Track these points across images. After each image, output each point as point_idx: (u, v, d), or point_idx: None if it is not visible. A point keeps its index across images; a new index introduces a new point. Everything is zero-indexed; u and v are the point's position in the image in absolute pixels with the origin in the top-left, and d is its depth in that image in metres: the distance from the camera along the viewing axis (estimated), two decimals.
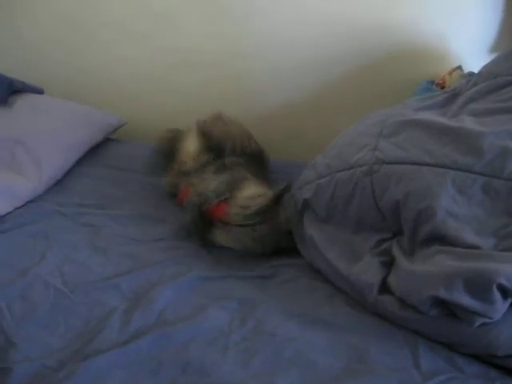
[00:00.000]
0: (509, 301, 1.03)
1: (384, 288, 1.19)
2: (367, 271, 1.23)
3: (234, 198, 1.51)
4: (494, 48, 2.02)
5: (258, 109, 2.40)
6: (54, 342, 1.13)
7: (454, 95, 1.51)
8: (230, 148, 1.79)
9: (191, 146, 1.86)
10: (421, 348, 1.09)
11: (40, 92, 2.32)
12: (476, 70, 1.61)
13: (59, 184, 1.90)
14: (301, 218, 1.50)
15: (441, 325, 1.10)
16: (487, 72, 1.48)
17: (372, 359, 1.06)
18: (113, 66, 2.51)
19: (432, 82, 1.97)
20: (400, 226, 1.26)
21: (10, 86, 2.18)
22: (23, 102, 2.16)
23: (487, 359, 1.07)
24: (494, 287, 1.00)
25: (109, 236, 1.57)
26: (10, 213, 1.66)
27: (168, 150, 1.91)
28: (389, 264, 1.24)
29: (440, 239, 1.14)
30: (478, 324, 1.04)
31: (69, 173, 1.97)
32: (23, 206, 1.71)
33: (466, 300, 1.02)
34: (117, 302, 1.25)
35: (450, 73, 1.91)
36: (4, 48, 2.60)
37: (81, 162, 2.05)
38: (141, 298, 1.25)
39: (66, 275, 1.35)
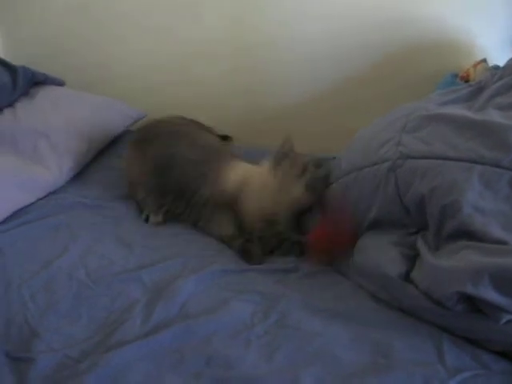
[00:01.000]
0: None
1: (408, 281, 1.18)
2: (391, 263, 1.22)
3: None
4: None
5: (274, 101, 2.40)
6: (76, 333, 1.14)
7: (479, 89, 1.48)
8: None
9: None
10: (445, 343, 1.08)
11: (61, 84, 2.34)
12: (501, 64, 1.58)
13: (80, 175, 1.92)
14: None
15: (466, 320, 1.09)
16: None
17: (396, 354, 1.05)
18: (129, 59, 2.52)
19: (456, 76, 1.95)
20: (425, 221, 1.24)
21: (32, 78, 2.21)
22: (45, 94, 2.18)
23: None
24: None
25: (131, 228, 1.58)
26: (33, 204, 1.68)
27: None
28: (413, 258, 1.22)
29: (466, 234, 1.12)
30: (504, 320, 1.02)
31: (90, 164, 1.99)
32: (45, 197, 1.73)
33: (492, 296, 1.01)
34: (139, 294, 1.26)
35: (475, 66, 1.88)
36: (25, 41, 2.62)
37: (102, 153, 2.07)
38: (163, 291, 1.25)
39: (89, 267, 1.36)
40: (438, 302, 1.09)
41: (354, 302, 1.23)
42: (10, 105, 2.09)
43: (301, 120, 2.36)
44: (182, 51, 2.42)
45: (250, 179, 1.55)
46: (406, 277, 1.19)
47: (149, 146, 1.72)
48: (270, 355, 1.06)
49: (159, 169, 1.66)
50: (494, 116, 1.28)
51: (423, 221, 1.25)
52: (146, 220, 1.63)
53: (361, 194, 1.38)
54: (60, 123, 1.99)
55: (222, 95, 2.44)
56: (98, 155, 2.05)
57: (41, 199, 1.71)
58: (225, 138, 2.08)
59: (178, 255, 1.42)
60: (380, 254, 1.27)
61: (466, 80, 1.86)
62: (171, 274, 1.33)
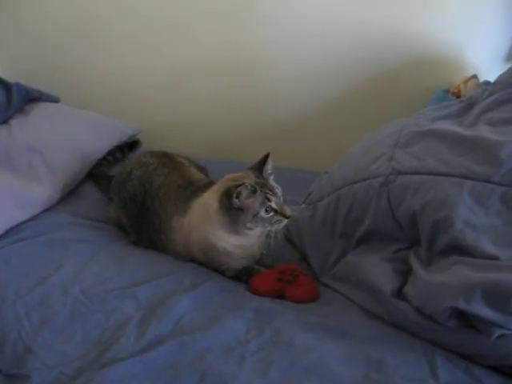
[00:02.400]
0: None
1: (400, 297, 1.19)
2: (384, 279, 1.23)
3: None
4: (510, 57, 2.02)
5: (266, 118, 2.42)
6: (71, 349, 1.14)
7: (470, 104, 1.50)
8: None
9: None
10: (438, 358, 1.08)
11: (56, 101, 2.35)
12: (492, 80, 1.60)
13: (74, 192, 1.92)
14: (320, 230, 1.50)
15: (459, 335, 1.09)
16: (504, 81, 1.47)
17: (389, 370, 1.05)
18: (125, 76, 2.54)
19: (447, 91, 1.97)
20: (417, 236, 1.26)
21: (27, 95, 2.21)
22: (39, 111, 2.19)
23: (506, 370, 1.05)
24: None
25: (125, 245, 1.58)
26: (28, 221, 1.67)
27: None
28: (405, 273, 1.23)
29: (458, 249, 1.14)
30: (496, 335, 1.03)
31: (84, 181, 1.99)
32: (40, 214, 1.73)
33: (484, 311, 1.02)
34: (133, 311, 1.25)
35: (466, 82, 1.91)
36: (21, 58, 2.63)
37: None
38: (157, 307, 1.25)
39: (83, 284, 1.36)
40: (431, 317, 1.10)
41: (348, 318, 1.24)
42: (5, 122, 2.09)
43: (293, 137, 2.38)
44: (176, 69, 2.44)
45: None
46: (399, 292, 1.20)
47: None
48: (264, 371, 1.06)
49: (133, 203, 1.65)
50: (485, 132, 1.30)
51: (415, 236, 1.26)
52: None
53: (352, 208, 1.40)
54: (55, 140, 1.99)
55: (215, 113, 2.46)
56: None
57: (35, 216, 1.71)
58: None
59: (173, 272, 1.41)
60: (373, 269, 1.28)
61: (457, 96, 1.88)
62: (165, 290, 1.33)
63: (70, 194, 1.90)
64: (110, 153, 2.12)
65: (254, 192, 1.35)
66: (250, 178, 1.41)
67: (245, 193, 1.35)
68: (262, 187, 1.37)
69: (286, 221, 1.39)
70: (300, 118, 2.36)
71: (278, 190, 1.41)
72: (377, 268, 1.27)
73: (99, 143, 2.10)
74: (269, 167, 1.45)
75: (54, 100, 2.34)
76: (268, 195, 1.37)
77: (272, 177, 1.46)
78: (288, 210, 1.39)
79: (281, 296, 1.35)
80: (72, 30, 2.50)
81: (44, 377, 1.07)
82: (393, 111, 1.84)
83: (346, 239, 1.42)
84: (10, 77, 2.26)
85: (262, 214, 1.36)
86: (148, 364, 1.08)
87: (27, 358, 1.12)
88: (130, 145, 2.24)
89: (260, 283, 1.37)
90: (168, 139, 2.42)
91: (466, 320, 1.07)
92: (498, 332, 1.03)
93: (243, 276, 1.44)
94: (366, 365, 1.07)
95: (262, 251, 1.51)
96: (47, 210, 1.77)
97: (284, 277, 1.37)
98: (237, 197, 1.35)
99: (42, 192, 1.78)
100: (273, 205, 1.37)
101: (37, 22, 2.54)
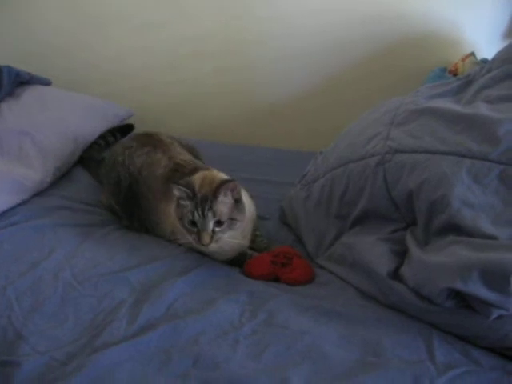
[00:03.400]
0: None
1: (397, 278, 1.17)
2: (380, 260, 1.21)
3: None
4: (508, 34, 1.99)
5: (263, 98, 2.40)
6: (62, 335, 1.12)
7: (468, 82, 1.48)
8: None
9: None
10: (435, 340, 1.07)
11: (47, 83, 2.31)
12: (489, 57, 1.57)
13: (66, 176, 1.89)
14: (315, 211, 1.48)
15: (456, 317, 1.08)
16: (501, 58, 1.44)
17: (386, 352, 1.04)
18: (123, 58, 2.51)
19: (444, 69, 1.95)
20: (414, 216, 1.24)
21: (17, 78, 2.17)
22: (30, 94, 2.15)
23: (504, 352, 1.04)
24: (511, 279, 0.97)
25: (117, 229, 1.56)
26: (18, 206, 1.65)
27: None
28: (401, 253, 1.21)
29: (455, 229, 1.11)
30: (494, 316, 1.01)
31: (76, 165, 1.97)
32: (31, 198, 1.71)
33: (482, 292, 1.00)
34: (126, 295, 1.24)
35: (463, 59, 1.88)
36: (12, 40, 2.60)
37: None
38: (150, 291, 1.24)
39: (75, 268, 1.34)
40: (427, 298, 1.09)
41: (343, 300, 1.22)
42: None
43: (291, 118, 2.36)
44: (172, 50, 2.42)
45: None
46: (395, 273, 1.18)
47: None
48: (258, 355, 1.04)
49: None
50: (483, 109, 1.28)
51: (412, 216, 1.24)
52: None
53: (348, 188, 1.37)
54: (46, 123, 1.97)
55: (212, 94, 2.43)
56: None
57: (26, 200, 1.68)
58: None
59: (166, 256, 1.39)
60: (369, 250, 1.26)
61: (455, 74, 1.85)
62: (158, 274, 1.31)
63: (61, 177, 1.87)
64: (102, 136, 2.09)
65: (190, 198, 1.29)
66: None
67: (179, 193, 1.30)
68: (201, 200, 1.28)
69: (200, 246, 1.29)
70: (297, 97, 2.33)
71: (210, 216, 1.28)
72: (373, 249, 1.25)
73: (91, 126, 2.07)
74: (221, 195, 1.30)
75: (45, 83, 2.30)
76: (196, 211, 1.27)
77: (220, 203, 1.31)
78: (205, 239, 1.27)
79: (275, 279, 1.33)
80: (67, 10, 2.46)
81: (35, 363, 1.05)
82: (390, 89, 1.81)
83: (341, 220, 1.40)
84: (4, 59, 2.22)
85: (183, 221, 1.30)
86: (140, 348, 1.06)
87: (17, 344, 1.10)
88: (123, 129, 2.21)
89: (254, 267, 1.35)
90: (163, 121, 2.41)
91: (463, 301, 1.05)
92: (495, 313, 1.01)
93: (236, 261, 1.41)
94: (361, 347, 1.06)
95: (251, 239, 1.48)
96: (38, 194, 1.74)
97: (278, 259, 1.35)
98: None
99: (33, 176, 1.74)
100: (196, 219, 1.28)
101: (31, 5, 2.50)
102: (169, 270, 1.33)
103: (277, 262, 1.35)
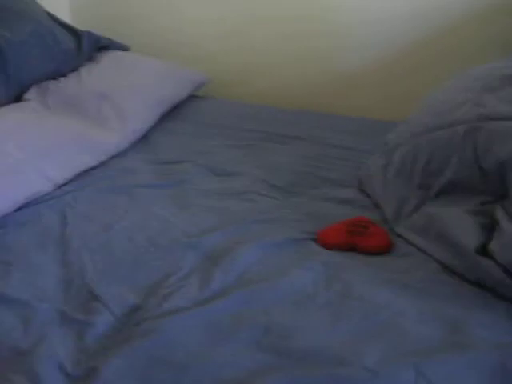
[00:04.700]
0: None
1: (485, 253, 1.09)
2: (467, 233, 1.13)
3: None
4: None
5: (339, 65, 2.31)
6: (133, 297, 1.11)
7: None
8: None
9: None
10: None
11: (126, 49, 2.33)
12: None
13: (143, 139, 1.90)
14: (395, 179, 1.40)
15: None
16: None
17: (470, 332, 0.97)
18: (195, 25, 2.51)
19: None
20: (505, 189, 1.15)
21: (97, 43, 2.21)
22: (109, 59, 2.17)
23: None
24: None
25: (194, 191, 1.54)
26: (96, 167, 1.66)
27: None
28: (491, 228, 1.13)
29: None
30: None
31: (153, 128, 1.96)
32: (108, 160, 1.72)
33: None
34: (198, 260, 1.22)
35: None
36: (93, 5, 2.64)
37: (165, 117, 2.04)
38: (222, 257, 1.21)
39: (149, 231, 1.33)
40: None
41: (425, 274, 1.15)
42: (75, 70, 2.08)
43: (367, 86, 2.28)
44: (245, 17, 2.38)
45: None
46: (484, 248, 1.10)
47: None
48: (332, 326, 1.00)
49: None
50: None
51: (503, 188, 1.15)
52: None
53: (432, 157, 1.29)
54: (124, 87, 1.98)
55: (280, 62, 2.38)
56: (163, 119, 2.03)
57: (103, 162, 1.69)
58: None
59: (241, 220, 1.37)
60: (455, 222, 1.18)
61: None
62: (232, 240, 1.28)
63: (139, 140, 1.88)
64: None
65: None
66: None
67: None
68: None
69: None
70: (373, 64, 2.24)
71: None
72: (459, 221, 1.16)
73: (169, 90, 2.08)
74: None
75: (124, 48, 2.32)
76: None
77: None
78: None
79: (351, 249, 1.28)
80: None
81: (106, 323, 1.04)
82: (477, 58, 1.69)
83: (424, 189, 1.32)
84: (82, 24, 2.26)
85: None
86: (210, 316, 1.03)
87: (91, 303, 1.10)
88: None
89: (328, 236, 1.30)
90: (232, 89, 2.41)
91: None
92: None
93: None
94: (443, 325, 0.99)
95: None
96: (117, 155, 1.75)
97: (354, 229, 1.29)
98: None
99: (110, 138, 1.75)
100: None
101: None
102: (242, 235, 1.30)
103: (353, 231, 1.29)
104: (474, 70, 1.44)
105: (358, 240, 1.27)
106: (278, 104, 2.26)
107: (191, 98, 2.21)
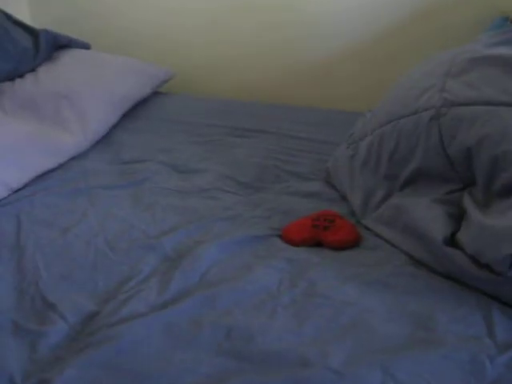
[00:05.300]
0: None
1: (453, 244, 1.06)
2: (435, 224, 1.10)
3: None
4: None
5: (310, 55, 2.29)
6: (91, 303, 1.06)
7: None
8: None
9: None
10: (495, 314, 0.96)
11: (86, 47, 2.27)
12: None
13: (105, 139, 1.84)
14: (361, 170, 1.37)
15: None
16: None
17: (439, 326, 0.94)
18: (160, 19, 2.46)
19: (506, 19, 1.80)
20: (472, 176, 1.12)
21: (55, 42, 2.13)
22: (68, 57, 2.11)
23: None
24: None
25: (154, 190, 1.49)
26: (54, 169, 1.60)
27: None
28: (458, 217, 1.10)
29: None
30: None
31: (115, 127, 1.91)
32: (68, 161, 1.66)
33: None
34: (158, 262, 1.17)
35: None
36: (52, 4, 2.59)
37: (128, 116, 1.99)
38: (183, 258, 1.17)
39: (108, 233, 1.28)
40: (488, 266, 0.98)
41: (394, 268, 1.11)
42: (33, 70, 2.02)
43: (340, 76, 2.26)
44: (211, 7, 2.34)
45: None
46: (452, 239, 1.07)
47: None
48: (297, 327, 0.96)
49: None
50: None
51: (470, 175, 1.13)
52: None
53: (398, 146, 1.26)
54: (84, 86, 1.91)
55: (253, 53, 2.34)
56: (126, 117, 1.97)
57: (62, 164, 1.63)
58: None
59: (202, 218, 1.32)
60: (422, 213, 1.15)
61: None
62: (193, 239, 1.24)
63: (100, 140, 1.82)
64: None
65: None
66: None
67: None
68: None
69: None
70: (343, 53, 2.21)
71: None
72: (427, 211, 1.13)
73: (131, 87, 2.01)
74: None
75: (84, 46, 2.25)
76: None
77: None
78: None
79: (317, 244, 1.23)
80: None
81: (61, 332, 0.99)
82: (446, 43, 1.66)
83: (391, 180, 1.29)
84: (43, 24, 2.20)
85: None
86: (170, 320, 0.99)
87: (45, 312, 1.05)
88: None
89: (294, 231, 1.26)
90: (202, 83, 2.37)
91: None
92: None
93: None
94: (412, 321, 0.96)
95: None
96: (76, 157, 1.69)
97: (319, 223, 1.25)
98: None
99: (69, 139, 1.69)
100: None
101: None
102: (204, 234, 1.26)
103: (318, 225, 1.25)
104: (438, 54, 1.41)
105: (324, 235, 1.23)
106: (252, 97, 2.23)
107: (156, 94, 2.16)
